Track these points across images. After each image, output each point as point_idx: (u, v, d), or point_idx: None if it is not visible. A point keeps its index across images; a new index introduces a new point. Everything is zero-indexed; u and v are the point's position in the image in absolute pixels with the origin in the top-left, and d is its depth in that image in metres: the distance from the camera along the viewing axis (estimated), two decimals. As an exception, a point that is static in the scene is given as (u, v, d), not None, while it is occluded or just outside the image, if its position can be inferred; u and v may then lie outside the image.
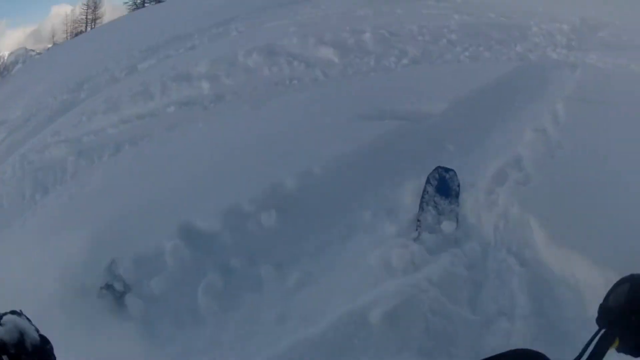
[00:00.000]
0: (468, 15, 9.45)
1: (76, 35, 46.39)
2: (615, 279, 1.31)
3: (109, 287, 2.92)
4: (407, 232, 3.31)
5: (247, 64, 7.10)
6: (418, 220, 3.36)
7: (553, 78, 6.18)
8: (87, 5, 53.04)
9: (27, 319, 1.00)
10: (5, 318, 0.97)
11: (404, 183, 3.76)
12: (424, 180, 3.60)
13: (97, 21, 52.94)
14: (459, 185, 3.58)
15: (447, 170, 3.62)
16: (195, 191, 3.71)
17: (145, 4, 47.78)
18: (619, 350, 1.09)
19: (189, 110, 6.39)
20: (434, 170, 3.60)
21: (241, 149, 4.38)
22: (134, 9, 48.25)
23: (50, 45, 42.70)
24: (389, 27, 7.95)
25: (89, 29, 50.11)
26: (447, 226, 3.30)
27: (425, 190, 3.50)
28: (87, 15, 53.69)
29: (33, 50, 29.47)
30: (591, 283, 2.60)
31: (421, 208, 3.43)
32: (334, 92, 5.72)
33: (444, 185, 3.57)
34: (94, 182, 4.82)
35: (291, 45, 7.34)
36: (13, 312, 1.00)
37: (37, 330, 1.01)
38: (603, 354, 1.04)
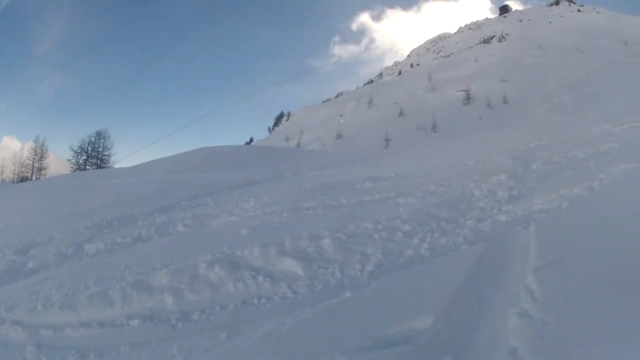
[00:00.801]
0: (412, 197, 10.05)
1: (22, 179, 53.33)
2: None
3: None
4: None
5: (209, 278, 7.06)
6: None
7: (512, 247, 6.60)
8: (35, 151, 56.11)
9: None
10: None
11: None
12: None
13: (42, 171, 57.67)
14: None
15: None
16: None
17: (87, 168, 51.16)
18: None
19: (155, 328, 6.20)
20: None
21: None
22: (75, 169, 53.70)
23: (-1, 179, 46.41)
24: (345, 228, 8.25)
25: (34, 177, 55.32)
26: None
27: None
28: (33, 162, 57.91)
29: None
30: None
31: None
32: (314, 319, 5.60)
33: None
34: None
35: (253, 257, 7.40)
36: None
37: None
38: None
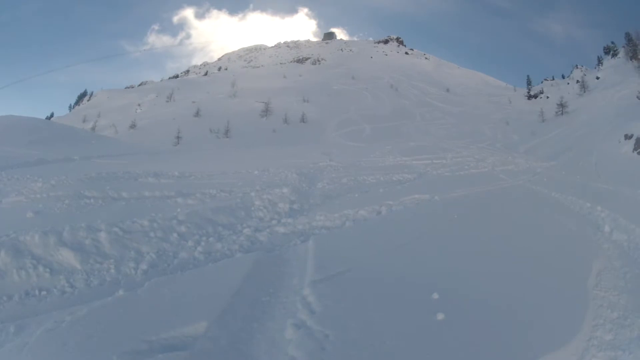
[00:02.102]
0: (192, 198, 9.89)
1: None
2: None
3: None
4: None
5: None
6: None
7: (290, 259, 6.76)
8: None
9: None
10: None
11: None
12: None
13: None
14: None
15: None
16: None
17: None
18: None
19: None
20: None
21: None
22: None
23: None
24: (122, 222, 7.81)
25: None
26: None
27: None
28: None
29: None
30: None
31: None
32: (90, 317, 5.20)
33: None
34: None
35: (34, 244, 6.75)
36: None
37: None
38: None
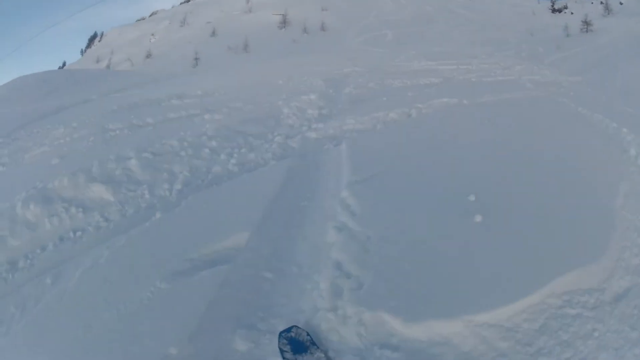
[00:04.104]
0: (217, 113, 9.74)
1: None
2: None
3: None
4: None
5: (27, 218, 6.38)
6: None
7: (325, 163, 6.71)
8: None
9: None
10: None
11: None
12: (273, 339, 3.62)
13: None
14: (308, 334, 3.61)
15: (288, 330, 3.64)
16: None
17: None
18: None
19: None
20: (279, 338, 3.58)
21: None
22: None
23: None
24: (151, 146, 7.79)
25: None
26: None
27: (284, 360, 3.47)
28: None
29: None
30: None
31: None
32: (129, 247, 5.24)
33: (297, 344, 3.55)
34: None
35: (63, 187, 6.82)
36: None
37: None
38: None
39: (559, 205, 5.02)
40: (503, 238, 4.42)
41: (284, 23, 57.25)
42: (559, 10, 70.88)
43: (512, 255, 4.14)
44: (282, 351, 3.52)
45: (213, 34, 56.99)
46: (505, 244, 4.32)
